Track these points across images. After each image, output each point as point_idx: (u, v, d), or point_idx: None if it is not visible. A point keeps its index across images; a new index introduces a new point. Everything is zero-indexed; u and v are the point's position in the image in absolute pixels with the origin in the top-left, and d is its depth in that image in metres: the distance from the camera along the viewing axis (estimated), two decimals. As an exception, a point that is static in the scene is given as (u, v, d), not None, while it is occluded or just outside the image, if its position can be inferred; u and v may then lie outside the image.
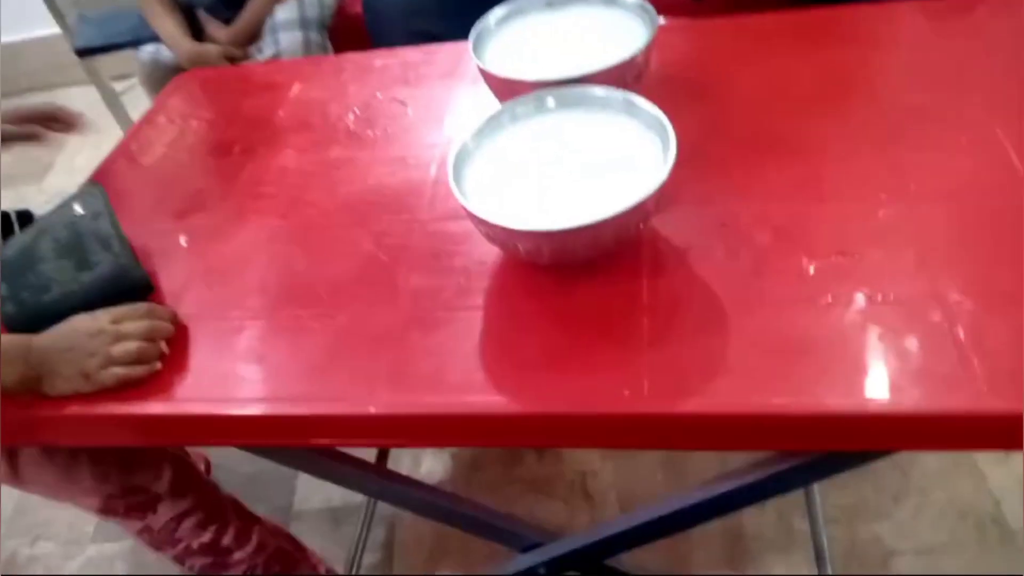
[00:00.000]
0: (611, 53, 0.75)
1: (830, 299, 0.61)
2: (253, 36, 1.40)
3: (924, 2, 0.88)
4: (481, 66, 0.78)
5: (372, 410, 0.60)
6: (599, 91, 0.70)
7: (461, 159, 0.69)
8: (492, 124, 0.71)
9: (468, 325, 0.65)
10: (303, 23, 1.37)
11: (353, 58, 1.06)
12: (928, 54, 0.83)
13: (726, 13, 0.96)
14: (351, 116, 0.93)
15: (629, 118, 0.69)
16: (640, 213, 0.61)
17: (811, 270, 0.63)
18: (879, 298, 0.60)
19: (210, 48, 1.38)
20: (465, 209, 0.63)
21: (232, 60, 1.39)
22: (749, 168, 0.74)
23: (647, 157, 0.66)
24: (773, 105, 0.81)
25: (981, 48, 0.83)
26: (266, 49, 1.37)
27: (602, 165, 0.66)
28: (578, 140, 0.69)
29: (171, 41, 1.39)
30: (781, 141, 0.76)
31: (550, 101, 0.72)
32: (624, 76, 0.75)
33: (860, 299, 0.60)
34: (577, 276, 0.66)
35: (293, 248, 0.77)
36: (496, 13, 0.86)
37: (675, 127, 0.65)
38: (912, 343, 0.57)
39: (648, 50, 0.76)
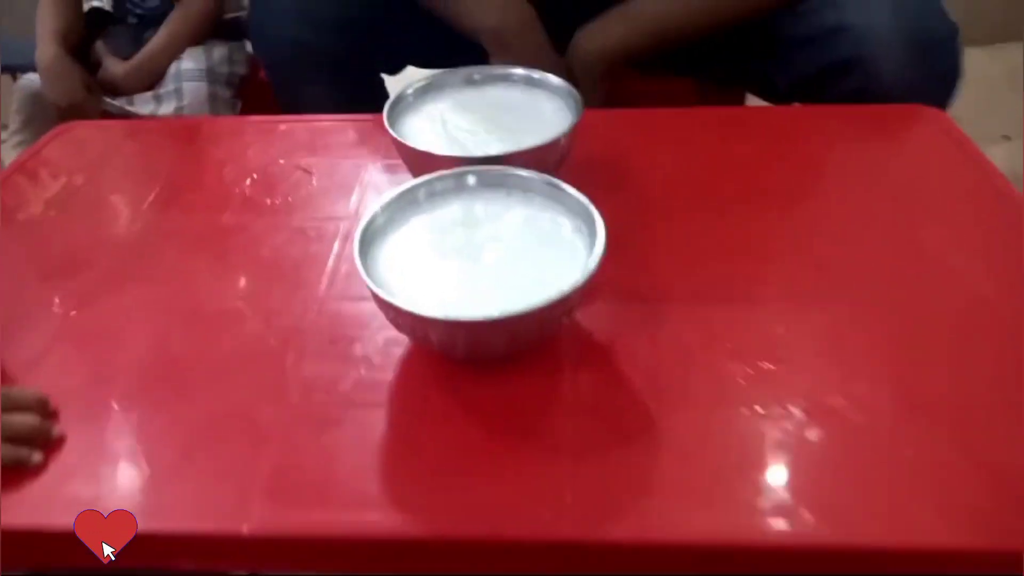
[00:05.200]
0: (534, 134, 0.71)
1: (762, 410, 0.56)
2: (152, 78, 1.29)
3: (846, 109, 0.89)
4: (396, 137, 0.72)
5: (245, 529, 0.50)
6: (523, 173, 0.65)
7: (369, 235, 0.62)
8: (406, 198, 0.65)
9: (367, 424, 0.57)
10: (210, 75, 1.27)
11: (257, 120, 0.99)
12: (849, 157, 0.83)
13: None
14: (248, 181, 0.85)
15: (553, 203, 0.64)
16: (565, 306, 0.56)
17: (742, 378, 0.59)
18: (814, 410, 0.56)
19: (76, 79, 1.24)
20: (371, 291, 0.56)
21: (105, 112, 1.27)
22: (674, 263, 0.70)
23: (571, 246, 0.61)
24: (696, 199, 0.78)
25: (901, 158, 0.83)
26: (167, 101, 1.27)
27: (524, 252, 0.61)
28: (499, 223, 0.63)
29: (40, 43, 1.25)
30: (705, 236, 0.73)
31: (471, 179, 0.66)
32: (547, 159, 0.71)
33: (795, 411, 0.56)
34: (493, 370, 0.60)
35: (171, 322, 0.67)
36: (414, 86, 0.81)
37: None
38: (849, 461, 0.53)
39: (573, 134, 0.73)
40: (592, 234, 0.59)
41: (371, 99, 1.09)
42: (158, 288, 0.71)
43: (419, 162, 0.71)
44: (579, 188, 0.63)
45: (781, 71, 1.01)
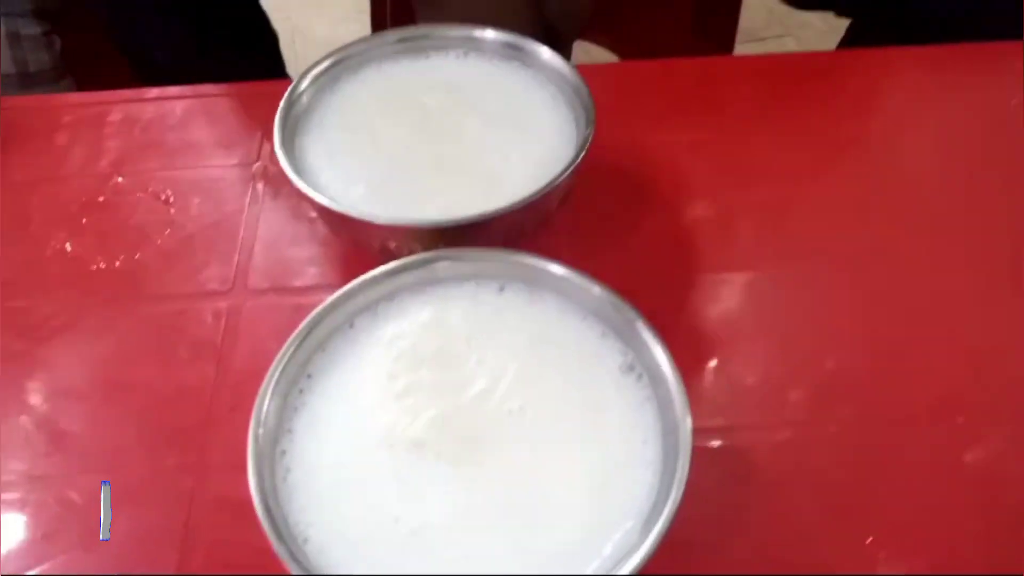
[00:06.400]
0: (527, 156, 0.45)
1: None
2: None
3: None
4: (302, 187, 0.44)
5: None
6: (553, 269, 0.38)
7: (280, 396, 0.35)
8: (335, 313, 0.38)
9: None
10: (7, 3, 0.83)
11: (82, 99, 0.66)
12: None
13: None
14: (66, 228, 0.54)
15: (584, 314, 0.38)
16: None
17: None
18: None
19: None
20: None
21: None
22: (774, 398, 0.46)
23: (626, 407, 0.36)
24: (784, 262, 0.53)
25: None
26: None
27: (557, 437, 0.35)
28: (506, 350, 0.37)
29: None
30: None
31: (442, 267, 0.39)
32: (545, 207, 0.45)
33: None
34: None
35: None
36: (318, 66, 0.51)
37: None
38: None
39: (580, 163, 0.45)
40: (656, 380, 0.35)
41: (257, 40, 0.78)
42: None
43: (341, 228, 0.44)
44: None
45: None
